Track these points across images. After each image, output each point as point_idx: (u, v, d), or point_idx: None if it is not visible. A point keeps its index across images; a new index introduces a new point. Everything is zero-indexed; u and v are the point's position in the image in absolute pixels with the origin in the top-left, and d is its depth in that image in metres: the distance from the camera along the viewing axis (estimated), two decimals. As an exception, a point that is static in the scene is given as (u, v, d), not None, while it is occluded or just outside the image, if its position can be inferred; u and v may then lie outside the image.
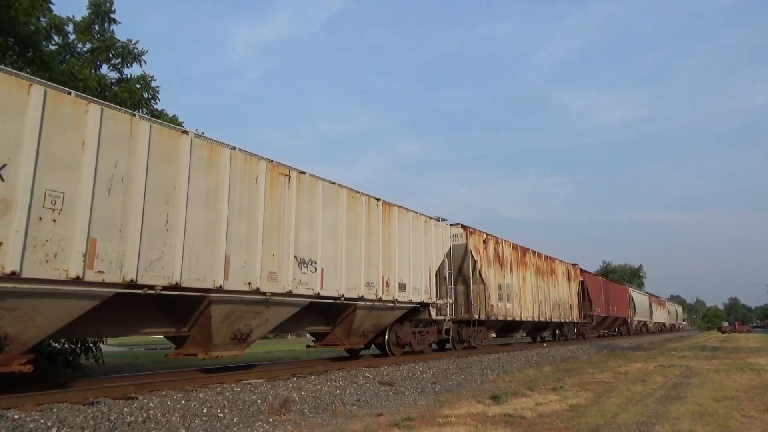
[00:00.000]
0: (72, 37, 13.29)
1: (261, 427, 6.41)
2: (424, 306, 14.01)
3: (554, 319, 23.67)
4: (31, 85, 6.18)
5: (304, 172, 10.32)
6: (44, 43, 11.70)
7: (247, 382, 8.83)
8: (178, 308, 8.35)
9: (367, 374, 10.53)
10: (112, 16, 13.73)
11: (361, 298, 11.46)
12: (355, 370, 11.03)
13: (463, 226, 17.37)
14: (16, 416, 5.65)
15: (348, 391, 9.00)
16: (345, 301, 11.06)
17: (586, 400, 8.70)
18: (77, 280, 6.40)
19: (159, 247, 7.39)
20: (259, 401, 7.54)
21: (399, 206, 13.27)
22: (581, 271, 29.20)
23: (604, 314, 32.57)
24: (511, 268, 19.83)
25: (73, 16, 13.29)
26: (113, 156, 6.93)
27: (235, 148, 8.92)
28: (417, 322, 14.63)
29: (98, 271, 6.61)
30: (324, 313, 11.68)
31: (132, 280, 6.98)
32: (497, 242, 19.18)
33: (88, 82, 11.80)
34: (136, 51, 13.76)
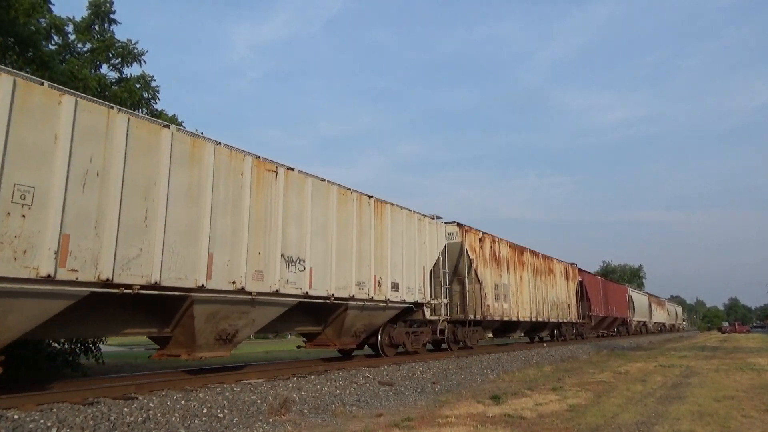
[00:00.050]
0: (72, 37, 13.34)
1: (261, 427, 6.35)
2: (418, 306, 13.75)
3: (552, 320, 23.42)
4: (-1, 74, 5.93)
5: (292, 169, 10.07)
6: (44, 43, 11.72)
7: (247, 382, 8.76)
8: (159, 308, 8.09)
9: (367, 374, 10.43)
10: (111, 16, 13.80)
11: (352, 298, 11.19)
12: (355, 370, 10.92)
13: (459, 225, 17.10)
14: (16, 416, 5.60)
15: (348, 392, 8.93)
16: (335, 301, 10.80)
17: (586, 400, 8.64)
18: (48, 279, 6.13)
19: (137, 244, 7.12)
20: (259, 401, 7.48)
21: (392, 204, 13.00)
22: (580, 270, 28.97)
23: (602, 314, 32.34)
24: (507, 268, 19.57)
25: (73, 17, 13.37)
26: (88, 149, 6.66)
27: (220, 143, 8.68)
28: (411, 323, 14.36)
29: (71, 270, 6.34)
30: (314, 313, 11.41)
31: (108, 279, 6.71)
32: (494, 241, 18.92)
33: (88, 82, 11.79)
34: (136, 51, 13.83)
